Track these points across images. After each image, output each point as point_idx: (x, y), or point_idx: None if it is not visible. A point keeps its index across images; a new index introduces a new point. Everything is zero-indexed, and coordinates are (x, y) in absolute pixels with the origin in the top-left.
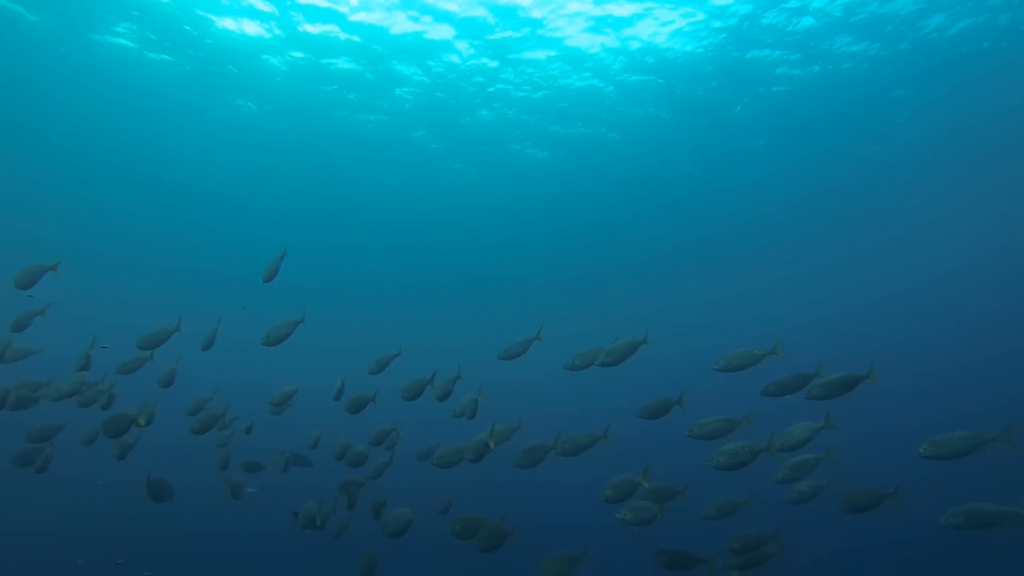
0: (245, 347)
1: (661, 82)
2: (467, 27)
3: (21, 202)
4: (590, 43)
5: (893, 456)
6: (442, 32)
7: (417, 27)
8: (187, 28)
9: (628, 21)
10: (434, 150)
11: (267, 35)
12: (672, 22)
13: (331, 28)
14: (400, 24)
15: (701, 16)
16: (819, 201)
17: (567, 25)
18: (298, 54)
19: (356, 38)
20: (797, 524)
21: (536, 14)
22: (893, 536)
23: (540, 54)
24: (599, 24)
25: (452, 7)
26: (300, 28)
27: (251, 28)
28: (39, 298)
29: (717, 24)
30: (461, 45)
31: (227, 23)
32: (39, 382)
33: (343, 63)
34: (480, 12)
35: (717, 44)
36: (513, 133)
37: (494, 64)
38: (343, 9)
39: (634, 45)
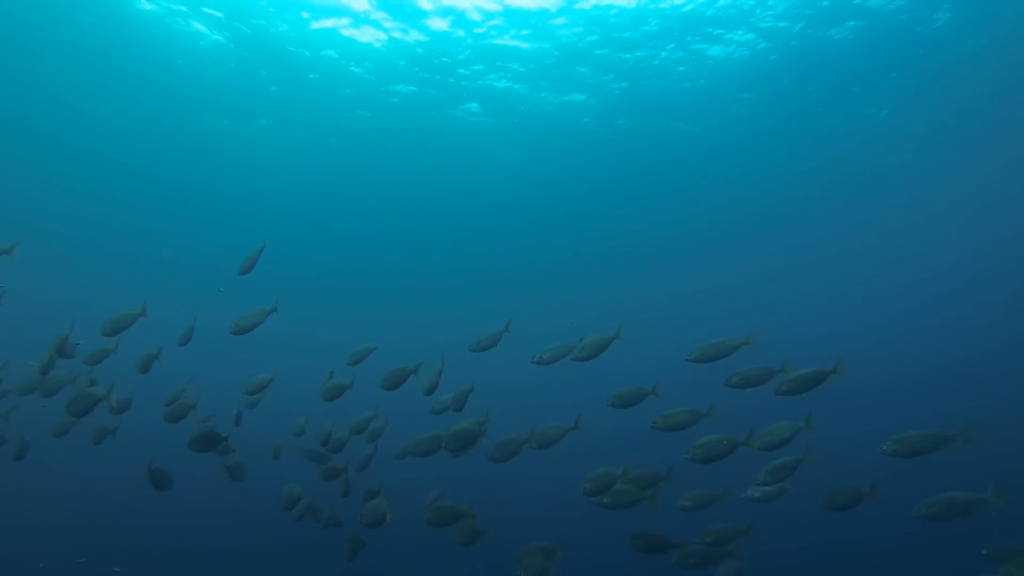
0: (234, 339)
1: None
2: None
3: None
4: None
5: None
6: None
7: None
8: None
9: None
10: (421, 141)
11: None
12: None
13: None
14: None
15: None
16: (810, 199)
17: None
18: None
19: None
20: (777, 519)
21: None
22: (867, 532)
23: (521, 43)
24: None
25: None
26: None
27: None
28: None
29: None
30: (457, 32)
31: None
32: None
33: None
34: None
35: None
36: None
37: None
38: None
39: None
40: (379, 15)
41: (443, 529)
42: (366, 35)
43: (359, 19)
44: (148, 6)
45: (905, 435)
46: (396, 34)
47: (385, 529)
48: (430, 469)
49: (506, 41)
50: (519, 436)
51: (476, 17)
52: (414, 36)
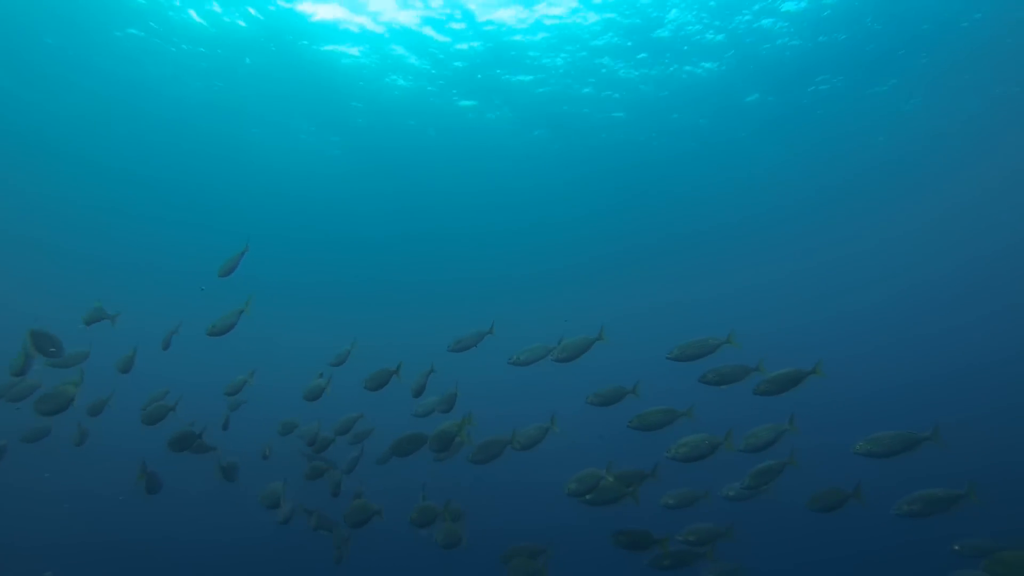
0: (231, 350)
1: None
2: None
3: None
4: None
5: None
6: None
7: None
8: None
9: None
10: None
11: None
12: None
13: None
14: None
15: None
16: (813, 203)
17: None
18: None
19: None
20: (758, 521)
21: None
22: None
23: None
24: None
25: None
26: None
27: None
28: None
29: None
30: (432, 31)
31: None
32: None
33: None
34: None
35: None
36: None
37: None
38: None
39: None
40: (381, 6)
41: (428, 529)
42: (368, 28)
43: (359, 11)
44: None
45: (878, 435)
46: (395, 24)
47: (377, 540)
48: (419, 481)
49: (519, 37)
50: (501, 438)
51: (485, 13)
52: (419, 29)
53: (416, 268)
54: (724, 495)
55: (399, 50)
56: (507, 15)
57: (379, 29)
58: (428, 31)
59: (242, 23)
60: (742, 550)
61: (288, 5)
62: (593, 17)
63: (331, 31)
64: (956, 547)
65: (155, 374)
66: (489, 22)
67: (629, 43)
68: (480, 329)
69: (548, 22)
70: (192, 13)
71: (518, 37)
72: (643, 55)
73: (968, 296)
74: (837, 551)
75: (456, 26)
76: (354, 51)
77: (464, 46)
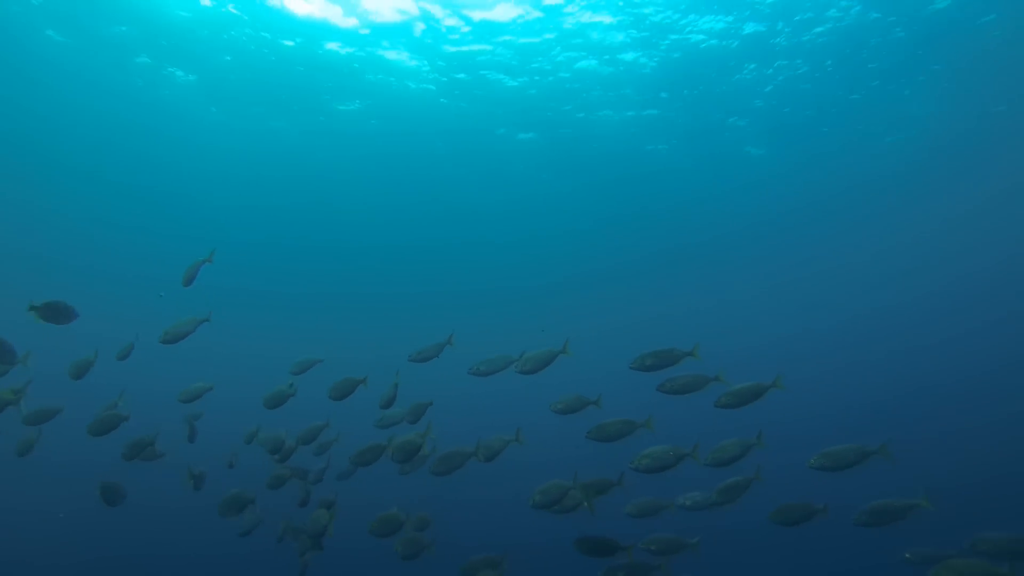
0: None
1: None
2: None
3: None
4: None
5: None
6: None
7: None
8: None
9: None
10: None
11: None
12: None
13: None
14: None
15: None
16: (801, 215)
17: (567, 4)
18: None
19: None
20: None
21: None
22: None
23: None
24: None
25: None
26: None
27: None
28: None
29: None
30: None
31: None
32: None
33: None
34: None
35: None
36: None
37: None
38: None
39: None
40: (370, 5)
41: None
42: (355, 26)
43: (347, 8)
44: None
45: (830, 449)
46: (383, 22)
47: (346, 551)
48: (395, 493)
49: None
50: (464, 449)
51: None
52: (410, 28)
53: (389, 278)
54: (681, 505)
55: (388, 52)
56: (501, 14)
57: (365, 30)
58: (421, 27)
59: (226, 14)
60: (706, 566)
61: (274, 4)
62: (590, 18)
63: (316, 29)
64: (907, 555)
65: (113, 384)
66: (484, 21)
67: (627, 39)
68: (440, 340)
69: (546, 24)
70: (175, 9)
71: (512, 38)
72: (642, 59)
73: (955, 309)
74: (804, 569)
75: (450, 22)
76: (339, 48)
77: (453, 49)
